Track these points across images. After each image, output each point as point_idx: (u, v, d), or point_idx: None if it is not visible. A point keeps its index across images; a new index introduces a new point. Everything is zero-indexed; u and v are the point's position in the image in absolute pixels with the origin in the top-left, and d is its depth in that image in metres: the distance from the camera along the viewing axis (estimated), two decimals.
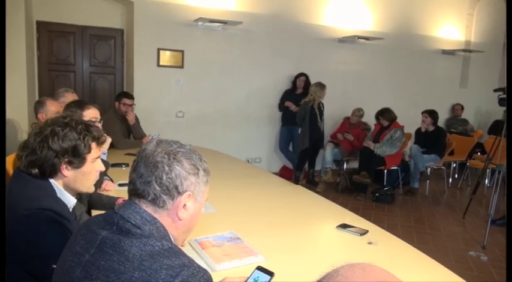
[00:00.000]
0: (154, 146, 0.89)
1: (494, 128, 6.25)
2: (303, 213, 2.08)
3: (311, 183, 5.23)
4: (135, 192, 0.88)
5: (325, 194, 4.73)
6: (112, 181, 2.25)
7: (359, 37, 5.67)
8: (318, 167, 5.46)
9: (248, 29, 5.10)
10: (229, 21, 4.79)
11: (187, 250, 1.37)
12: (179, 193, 0.88)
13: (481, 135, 6.60)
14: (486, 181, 5.48)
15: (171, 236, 0.90)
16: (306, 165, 5.35)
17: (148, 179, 0.86)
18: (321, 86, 5.00)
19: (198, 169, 0.91)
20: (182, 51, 4.86)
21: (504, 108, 3.61)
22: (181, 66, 4.89)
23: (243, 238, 1.57)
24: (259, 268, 1.29)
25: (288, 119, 5.32)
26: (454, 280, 1.37)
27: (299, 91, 5.29)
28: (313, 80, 5.24)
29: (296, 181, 5.04)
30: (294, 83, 5.34)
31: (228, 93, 5.20)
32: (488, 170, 4.85)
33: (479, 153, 6.04)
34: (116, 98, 3.88)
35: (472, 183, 5.29)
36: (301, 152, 5.09)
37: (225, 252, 1.46)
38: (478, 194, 4.54)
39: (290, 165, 5.54)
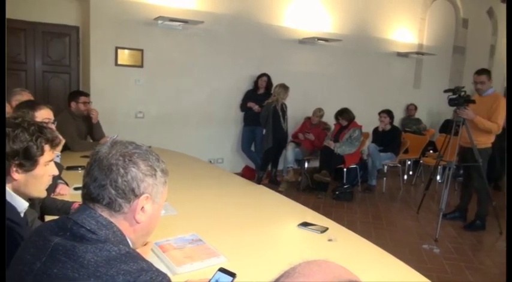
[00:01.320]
0: (108, 148, 0.86)
1: (445, 127, 6.61)
2: (265, 213, 2.10)
3: (273, 183, 5.28)
4: (89, 197, 0.85)
5: (287, 193, 4.79)
6: (67, 185, 2.16)
7: (319, 39, 5.79)
8: (280, 166, 5.53)
9: (209, 29, 5.07)
10: (190, 20, 4.74)
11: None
12: (136, 196, 0.85)
13: (433, 134, 6.95)
14: (438, 177, 5.77)
15: (128, 240, 0.88)
16: (269, 165, 5.39)
17: (102, 182, 0.83)
18: (285, 87, 5.07)
19: (155, 170, 0.89)
20: (141, 50, 4.75)
21: (453, 108, 3.81)
22: (141, 66, 4.78)
23: (204, 240, 1.56)
24: (221, 269, 1.29)
25: (250, 119, 5.34)
26: (408, 272, 1.43)
27: (261, 91, 5.33)
28: (274, 81, 5.30)
29: (259, 181, 5.07)
30: (256, 83, 5.37)
31: (189, 93, 5.13)
32: (439, 167, 5.11)
33: (431, 151, 6.36)
34: (70, 97, 3.70)
35: (425, 179, 5.55)
36: (265, 152, 5.13)
37: (186, 254, 1.44)
38: (431, 190, 4.77)
39: (252, 165, 5.57)
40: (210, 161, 5.28)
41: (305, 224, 1.81)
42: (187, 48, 5.02)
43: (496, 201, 4.21)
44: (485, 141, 3.90)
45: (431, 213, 4.46)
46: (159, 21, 4.71)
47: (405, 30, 7.11)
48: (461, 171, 4.77)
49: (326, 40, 5.87)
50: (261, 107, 5.15)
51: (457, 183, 5.50)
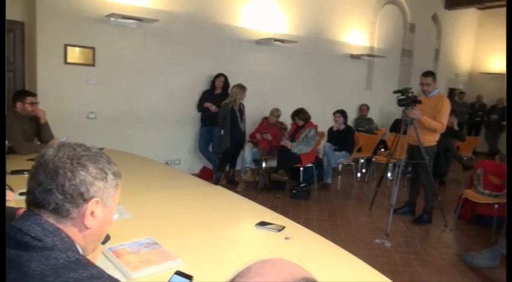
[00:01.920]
0: (54, 151, 0.82)
1: (395, 126, 6.94)
2: (222, 214, 2.09)
3: (231, 183, 5.28)
4: (34, 202, 0.81)
5: (245, 193, 4.81)
6: (12, 190, 2.04)
7: (275, 39, 5.86)
8: (238, 167, 5.53)
9: (165, 28, 4.97)
10: (144, 18, 4.62)
11: (100, 260, 1.29)
12: (85, 200, 0.82)
13: (384, 133, 7.26)
14: (389, 174, 6.04)
15: (78, 247, 0.84)
16: (227, 166, 5.38)
17: (48, 187, 0.79)
18: (242, 88, 5.08)
19: (106, 173, 0.86)
20: (93, 48, 4.56)
21: (402, 108, 4.00)
22: (93, 64, 4.59)
23: (160, 243, 1.53)
24: (178, 272, 1.27)
25: (207, 120, 5.30)
26: (362, 267, 1.49)
27: (218, 91, 5.31)
28: (231, 81, 5.30)
29: (217, 181, 5.05)
30: (213, 83, 5.34)
31: (144, 93, 5.00)
32: (390, 164, 5.35)
33: (382, 149, 6.64)
34: (15, 97, 3.46)
35: (377, 176, 5.78)
36: (223, 153, 5.12)
37: (141, 258, 1.41)
38: (382, 187, 4.98)
39: (210, 166, 5.53)
40: (167, 163, 5.19)
41: (262, 224, 1.83)
42: (142, 47, 4.90)
43: (441, 196, 4.48)
44: (431, 140, 4.12)
45: (383, 208, 4.65)
46: (112, 19, 4.55)
47: (357, 33, 7.38)
48: (410, 168, 5.02)
49: (282, 41, 5.96)
50: (218, 107, 5.13)
51: (406, 179, 5.78)
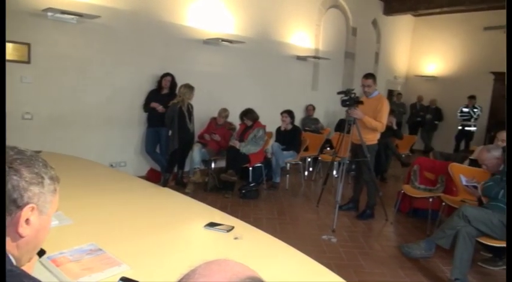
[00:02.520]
0: None
1: (339, 126, 7.23)
2: (170, 216, 2.05)
3: (180, 185, 5.19)
4: None
5: (194, 195, 4.76)
6: None
7: (223, 40, 5.84)
8: (187, 168, 5.46)
9: (107, 24, 4.77)
10: (84, 14, 4.40)
11: (37, 270, 1.21)
12: (18, 207, 0.76)
13: (329, 133, 7.51)
14: (334, 172, 6.26)
15: (11, 257, 0.78)
16: (175, 167, 5.28)
17: None
18: (190, 87, 5.01)
19: (42, 177, 0.81)
20: (28, 44, 4.26)
21: (346, 108, 4.17)
22: (28, 62, 4.28)
23: (105, 249, 1.47)
24: (123, 279, 1.23)
25: (154, 120, 5.17)
26: (309, 263, 1.53)
27: (165, 91, 5.19)
28: (179, 80, 5.21)
29: (164, 183, 4.94)
30: (160, 83, 5.21)
31: (87, 93, 4.76)
32: (335, 163, 5.55)
33: (328, 148, 6.88)
34: None
35: (323, 175, 5.97)
36: (171, 154, 5.01)
37: (84, 266, 1.34)
38: (328, 184, 5.16)
39: (158, 168, 5.39)
40: (112, 165, 4.98)
41: (212, 225, 1.82)
42: (83, 44, 4.66)
43: (382, 192, 4.72)
44: (372, 139, 4.34)
45: (329, 205, 4.81)
46: (49, 13, 4.28)
47: (303, 35, 7.57)
48: (353, 166, 5.24)
49: (230, 41, 5.96)
50: (165, 107, 5.02)
51: (350, 177, 6.03)
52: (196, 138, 5.49)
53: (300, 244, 3.62)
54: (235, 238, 1.68)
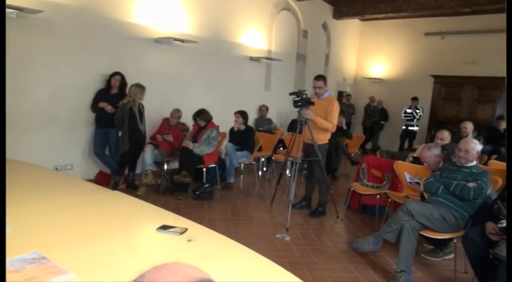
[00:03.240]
0: None
1: (292, 126, 7.36)
2: (121, 220, 1.99)
3: (131, 187, 5.03)
4: None
5: (146, 197, 4.63)
6: None
7: (175, 39, 5.74)
8: (138, 170, 5.30)
9: (51, 20, 4.51)
10: (25, 8, 4.13)
11: None
12: None
13: (282, 133, 7.63)
14: (287, 172, 6.37)
15: None
16: (126, 169, 5.11)
17: None
18: (141, 87, 4.86)
19: None
20: None
21: (298, 109, 4.25)
22: None
23: (49, 257, 1.39)
24: None
25: (103, 121, 4.96)
26: (263, 262, 1.54)
27: (114, 91, 5.01)
28: (129, 80, 5.05)
29: (115, 186, 4.77)
30: (109, 82, 5.01)
31: (27, 92, 4.47)
32: (288, 162, 5.65)
33: (281, 148, 6.99)
34: None
35: (277, 174, 6.06)
36: (121, 156, 4.84)
37: (26, 276, 1.26)
38: (282, 184, 5.25)
39: (107, 170, 5.19)
40: (57, 168, 4.72)
41: (164, 227, 1.78)
42: (23, 40, 4.36)
43: (333, 190, 4.88)
44: (324, 138, 4.47)
45: (282, 204, 4.89)
46: None
47: (256, 37, 7.63)
48: (306, 165, 5.36)
49: (182, 41, 5.87)
50: (114, 107, 4.84)
51: (303, 176, 6.16)
52: (148, 140, 5.35)
53: (255, 243, 3.67)
54: (189, 240, 1.66)
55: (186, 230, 1.77)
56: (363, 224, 4.43)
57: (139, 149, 5.08)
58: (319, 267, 3.18)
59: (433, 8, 8.46)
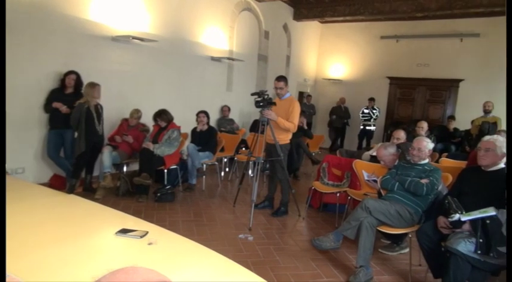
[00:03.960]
0: None
1: (254, 127, 7.40)
2: (77, 225, 1.91)
3: (88, 191, 4.86)
4: None
5: (104, 201, 4.50)
6: None
7: (133, 37, 5.60)
8: (96, 172, 5.12)
9: None
10: None
11: None
12: None
13: (244, 133, 7.65)
14: (250, 172, 6.40)
15: None
16: (83, 172, 4.92)
17: None
18: (91, 85, 4.68)
19: None
20: None
21: (260, 109, 4.28)
22: None
23: None
24: None
25: (57, 122, 4.73)
26: (225, 262, 1.54)
27: (69, 91, 4.80)
28: (86, 79, 4.86)
29: (71, 190, 4.57)
30: (63, 81, 4.80)
31: None
32: (250, 162, 5.67)
33: (243, 148, 7.00)
34: None
35: (240, 175, 6.07)
36: (78, 158, 4.64)
37: None
38: (244, 184, 5.27)
39: (63, 173, 4.97)
40: (7, 172, 4.45)
41: (124, 231, 1.74)
42: None
43: (295, 189, 4.96)
44: (285, 138, 4.52)
45: (245, 205, 4.90)
46: None
47: (217, 37, 7.60)
48: (268, 165, 5.41)
49: (141, 39, 5.73)
50: (70, 107, 4.64)
51: (265, 176, 6.22)
52: (106, 141, 5.18)
53: (218, 244, 3.65)
54: (149, 243, 1.63)
55: (147, 233, 1.73)
56: (324, 222, 4.53)
57: (96, 151, 4.90)
58: (282, 266, 3.22)
59: (388, 12, 8.81)
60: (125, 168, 5.28)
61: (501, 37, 9.03)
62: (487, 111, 7.03)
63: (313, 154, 7.41)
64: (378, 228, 3.15)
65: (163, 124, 5.17)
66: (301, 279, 3.00)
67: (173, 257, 1.56)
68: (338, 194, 4.45)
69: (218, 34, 7.60)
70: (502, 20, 8.87)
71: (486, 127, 6.55)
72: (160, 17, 6.25)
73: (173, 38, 6.52)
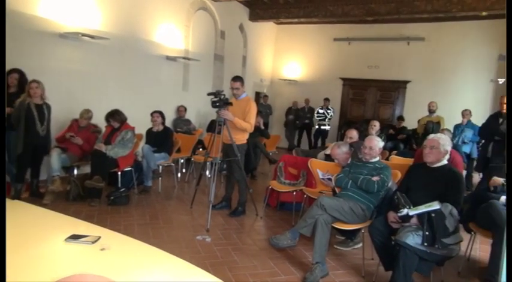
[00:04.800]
0: None
1: (210, 127, 7.35)
2: (23, 233, 1.80)
3: (36, 196, 4.60)
4: None
5: (53, 206, 4.30)
6: None
7: (83, 34, 5.37)
8: (44, 176, 4.86)
9: None
10: None
11: None
12: None
13: (201, 133, 7.58)
14: (207, 172, 6.35)
15: None
16: (28, 176, 4.64)
17: None
18: (30, 82, 4.39)
19: None
20: None
21: (216, 109, 4.26)
22: None
23: None
24: None
25: None
26: (182, 265, 1.52)
27: (12, 90, 4.51)
28: (31, 78, 4.59)
29: (16, 195, 4.31)
30: (5, 80, 4.50)
31: None
32: (207, 163, 5.62)
33: (200, 149, 6.95)
34: None
35: (197, 175, 6.00)
36: (17, 160, 4.37)
37: None
38: (201, 185, 5.21)
39: (7, 178, 4.65)
40: None
41: (74, 237, 1.66)
42: None
43: (252, 189, 4.98)
44: (242, 138, 4.54)
45: (203, 206, 4.86)
46: None
47: (173, 35, 7.47)
48: (225, 166, 5.40)
49: (92, 37, 5.51)
50: (13, 107, 4.36)
51: (223, 176, 6.20)
52: (54, 143, 4.92)
53: (174, 247, 3.60)
54: (102, 249, 1.57)
55: (99, 238, 1.67)
56: (281, 220, 4.59)
57: (39, 154, 4.63)
58: (240, 266, 3.23)
59: (340, 15, 9.10)
60: (75, 171, 5.05)
61: (444, 41, 9.64)
62: (431, 111, 7.45)
63: (270, 154, 7.50)
64: (332, 225, 3.24)
65: (116, 125, 5.00)
66: (259, 278, 3.03)
67: (127, 261, 1.51)
68: (294, 193, 4.53)
69: (173, 33, 7.47)
70: (444, 25, 9.47)
71: (430, 126, 6.94)
72: (112, 13, 6.04)
73: (126, 36, 6.33)
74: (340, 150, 4.06)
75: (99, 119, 5.25)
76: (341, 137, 9.30)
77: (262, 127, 7.22)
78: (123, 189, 4.82)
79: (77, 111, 5.18)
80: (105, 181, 4.76)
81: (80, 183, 4.78)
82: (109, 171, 4.88)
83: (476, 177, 6.85)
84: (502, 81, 7.45)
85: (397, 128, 8.41)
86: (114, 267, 1.44)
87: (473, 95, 9.18)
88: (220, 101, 4.20)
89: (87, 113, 5.15)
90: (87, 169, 5.08)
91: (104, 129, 5.20)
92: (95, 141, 5.01)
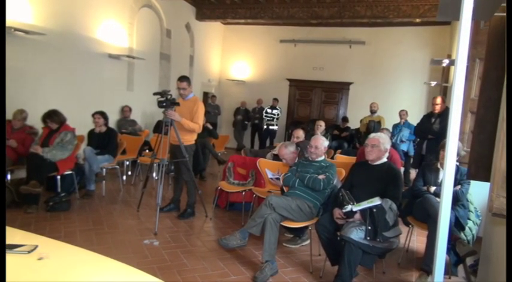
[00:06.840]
0: None
1: (157, 127, 7.17)
2: None
3: None
4: None
5: None
6: None
7: (16, 29, 5.00)
8: None
9: None
10: None
11: None
12: None
13: (147, 134, 7.37)
14: (154, 174, 6.19)
15: None
16: None
17: None
18: None
19: None
20: None
21: (162, 109, 4.16)
22: None
23: None
24: None
25: None
26: (128, 271, 1.47)
27: None
28: None
29: None
30: None
31: None
32: (155, 165, 5.48)
33: (147, 150, 6.76)
34: None
35: (143, 178, 5.82)
36: None
37: None
38: (149, 187, 5.07)
39: None
40: None
41: (9, 247, 1.54)
42: None
43: (201, 190, 4.93)
44: (190, 139, 4.48)
45: (150, 209, 4.73)
46: None
47: (115, 33, 7.18)
48: (173, 167, 5.29)
49: (26, 32, 5.15)
50: None
51: (170, 178, 6.07)
52: None
53: (120, 253, 3.47)
54: (40, 258, 1.47)
55: (36, 246, 1.56)
56: (231, 221, 4.59)
57: None
58: (190, 268, 3.18)
59: (286, 17, 9.29)
60: (8, 176, 4.69)
61: (382, 45, 10.18)
62: (373, 111, 7.85)
63: (219, 154, 7.47)
64: (281, 223, 3.30)
65: (54, 126, 4.72)
66: (209, 280, 3.01)
67: (68, 270, 1.43)
68: (244, 193, 4.55)
69: (116, 30, 7.19)
70: (382, 30, 10.02)
71: (372, 125, 7.31)
72: (48, 7, 5.68)
73: (64, 32, 5.99)
74: (288, 150, 4.14)
75: (35, 120, 4.92)
76: (289, 136, 9.49)
77: (211, 127, 7.17)
78: (63, 194, 4.56)
79: (10, 111, 4.81)
80: (42, 186, 4.47)
81: (14, 189, 4.45)
82: (47, 176, 4.59)
83: (413, 173, 7.31)
84: (434, 83, 8.03)
85: (341, 128, 8.75)
86: (53, 277, 1.36)
87: (409, 96, 9.80)
88: (166, 101, 4.11)
89: (20, 114, 4.81)
90: (22, 174, 4.74)
91: (41, 131, 4.88)
92: (31, 144, 4.69)
